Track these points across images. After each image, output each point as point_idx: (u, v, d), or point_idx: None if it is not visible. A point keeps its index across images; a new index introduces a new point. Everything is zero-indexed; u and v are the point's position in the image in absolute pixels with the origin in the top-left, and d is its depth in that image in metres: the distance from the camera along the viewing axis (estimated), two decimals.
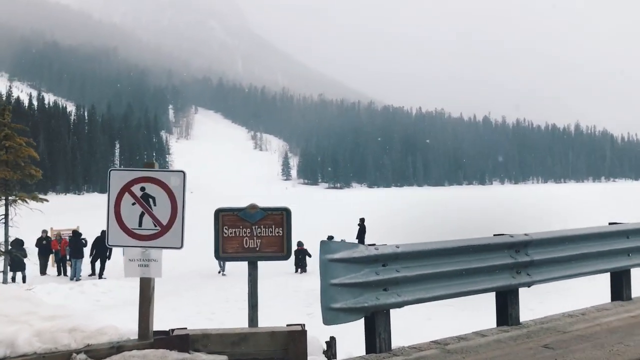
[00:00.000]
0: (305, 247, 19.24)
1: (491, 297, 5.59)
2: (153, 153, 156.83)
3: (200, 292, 15.13)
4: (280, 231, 5.05)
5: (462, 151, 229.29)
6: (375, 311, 4.61)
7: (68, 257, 18.54)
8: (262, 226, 5.04)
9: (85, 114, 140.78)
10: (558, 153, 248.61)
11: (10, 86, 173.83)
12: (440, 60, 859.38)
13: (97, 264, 18.67)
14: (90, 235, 18.80)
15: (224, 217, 5.06)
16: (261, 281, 5.56)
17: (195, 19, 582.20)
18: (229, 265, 18.33)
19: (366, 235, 21.83)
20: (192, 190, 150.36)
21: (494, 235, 5.59)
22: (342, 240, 16.22)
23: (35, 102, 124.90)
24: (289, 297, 13.41)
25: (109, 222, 4.42)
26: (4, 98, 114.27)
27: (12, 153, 8.97)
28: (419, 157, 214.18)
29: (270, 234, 5.06)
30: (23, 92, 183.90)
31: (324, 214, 50.73)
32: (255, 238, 5.03)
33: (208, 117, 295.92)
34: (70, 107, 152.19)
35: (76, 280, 16.57)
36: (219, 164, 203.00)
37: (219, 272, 18.75)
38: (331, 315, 4.46)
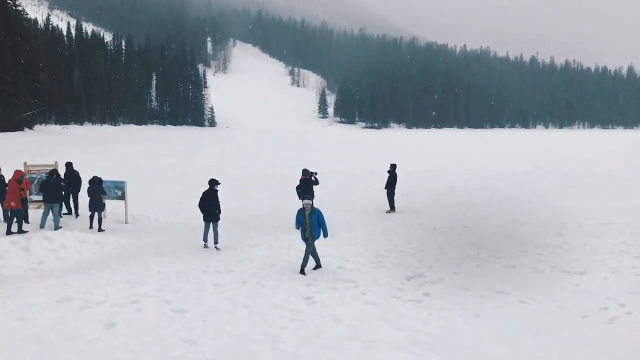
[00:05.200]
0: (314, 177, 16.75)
1: None
2: (189, 86, 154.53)
3: None
4: None
5: (506, 92, 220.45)
6: None
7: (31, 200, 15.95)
8: None
9: (123, 44, 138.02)
10: (607, 97, 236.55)
11: (49, 14, 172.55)
12: None
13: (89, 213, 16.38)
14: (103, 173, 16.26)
15: None
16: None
17: None
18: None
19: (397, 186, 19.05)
20: (227, 125, 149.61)
21: None
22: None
23: (73, 32, 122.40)
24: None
25: None
26: (41, 26, 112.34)
27: None
28: (461, 98, 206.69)
29: None
30: (63, 21, 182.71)
31: (357, 156, 47.76)
32: None
33: (246, 50, 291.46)
34: (108, 38, 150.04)
35: (55, 229, 14.20)
36: (255, 99, 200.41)
37: None
38: None
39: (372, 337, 7.08)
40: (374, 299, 8.78)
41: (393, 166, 19.42)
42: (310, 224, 10.52)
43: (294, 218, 15.01)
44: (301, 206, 10.79)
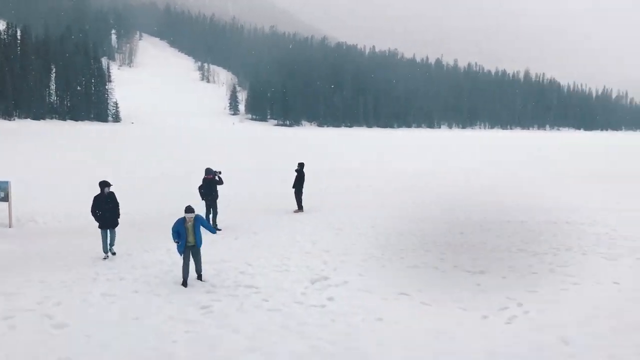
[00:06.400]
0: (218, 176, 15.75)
1: None
2: (92, 80, 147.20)
3: None
4: None
5: (412, 93, 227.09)
6: None
7: None
8: None
9: (18, 33, 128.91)
10: (506, 99, 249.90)
11: None
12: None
13: None
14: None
15: None
16: None
17: None
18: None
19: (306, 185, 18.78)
20: (133, 120, 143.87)
21: None
22: None
23: None
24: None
25: None
26: None
27: None
28: (369, 98, 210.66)
29: None
30: None
31: (265, 153, 47.35)
32: None
33: (153, 44, 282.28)
34: (1, 27, 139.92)
35: None
36: (163, 94, 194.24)
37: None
38: None
39: (271, 348, 6.71)
40: (276, 305, 8.42)
41: (301, 165, 19.14)
42: (195, 233, 9.76)
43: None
44: (182, 216, 9.87)
